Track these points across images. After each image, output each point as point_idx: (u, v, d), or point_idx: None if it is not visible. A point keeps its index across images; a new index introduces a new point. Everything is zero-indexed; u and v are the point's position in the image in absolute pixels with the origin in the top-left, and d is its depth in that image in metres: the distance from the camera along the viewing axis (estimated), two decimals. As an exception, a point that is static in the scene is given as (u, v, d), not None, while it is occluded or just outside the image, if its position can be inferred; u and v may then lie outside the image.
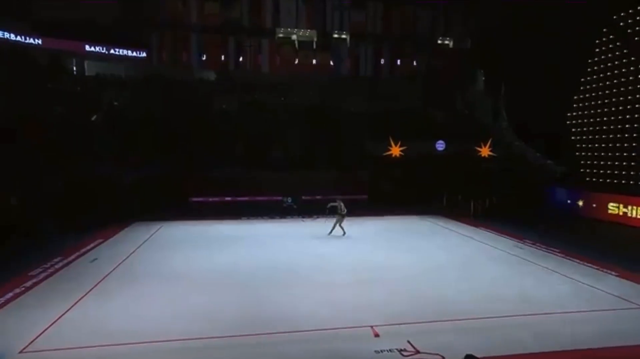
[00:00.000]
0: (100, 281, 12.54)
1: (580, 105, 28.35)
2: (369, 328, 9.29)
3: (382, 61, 37.94)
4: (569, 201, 25.12)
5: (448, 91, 37.68)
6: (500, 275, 13.11)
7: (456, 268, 13.85)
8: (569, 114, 29.10)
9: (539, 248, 16.57)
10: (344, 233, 18.02)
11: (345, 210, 17.96)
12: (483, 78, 39.58)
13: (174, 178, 25.23)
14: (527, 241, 17.57)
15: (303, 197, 26.20)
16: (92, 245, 16.64)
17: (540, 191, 27.16)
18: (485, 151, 32.10)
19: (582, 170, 27.22)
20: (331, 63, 37.47)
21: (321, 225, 20.33)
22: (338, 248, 16.20)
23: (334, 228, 18.12)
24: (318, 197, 26.22)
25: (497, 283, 12.30)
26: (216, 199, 26.86)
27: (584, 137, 27.88)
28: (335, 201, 18.15)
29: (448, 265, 13.99)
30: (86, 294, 11.56)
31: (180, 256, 15.16)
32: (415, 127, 32.28)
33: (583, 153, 27.46)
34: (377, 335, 9.19)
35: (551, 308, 10.53)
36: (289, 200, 25.76)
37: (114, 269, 13.66)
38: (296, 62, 36.82)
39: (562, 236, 18.66)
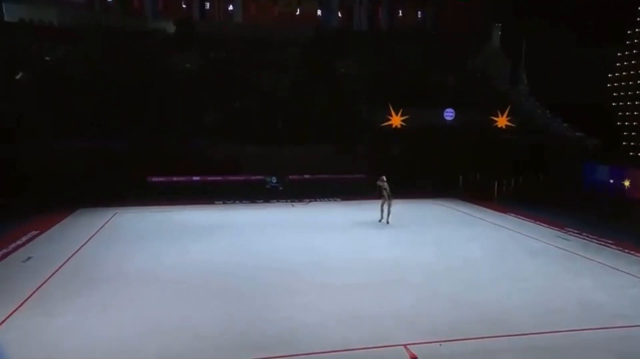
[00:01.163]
0: (38, 289, 11.31)
1: (625, 64, 27.68)
2: (401, 347, 8.57)
3: (380, 12, 36.60)
4: (611, 181, 25.05)
5: (458, 50, 37.00)
6: (549, 274, 12.64)
7: (492, 265, 13.41)
8: (609, 75, 28.54)
9: (587, 238, 16.34)
10: (382, 218, 18.12)
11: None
12: (499, 33, 39.08)
13: (128, 153, 24.27)
14: (570, 230, 17.46)
15: (290, 176, 25.76)
16: (24, 239, 15.50)
17: (574, 169, 27.01)
18: (502, 121, 31.73)
19: (624, 143, 26.87)
20: (319, 14, 36.28)
21: (315, 211, 19.99)
22: (343, 241, 15.70)
23: (388, 214, 18.08)
24: (307, 176, 26.43)
25: (548, 284, 11.87)
26: (182, 179, 25.80)
27: (628, 104, 27.42)
28: (381, 180, 18.12)
29: (482, 261, 13.69)
30: (20, 306, 10.28)
31: (144, 253, 14.14)
32: (420, 92, 31.87)
33: (627, 123, 27.11)
34: (414, 358, 8.31)
35: (628, 319, 9.90)
36: (273, 180, 25.28)
37: (56, 271, 12.55)
38: (276, 12, 35.85)
39: (611, 223, 18.47)
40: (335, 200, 23.55)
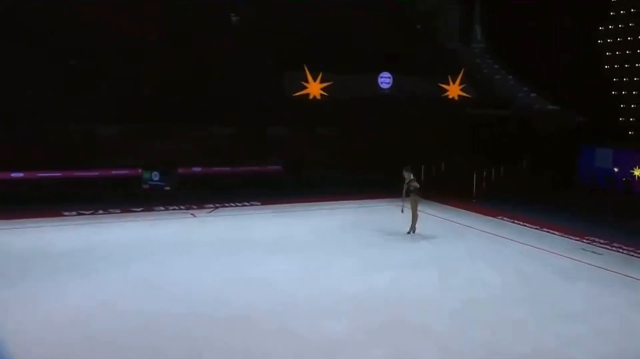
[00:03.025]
0: None
1: (622, 12, 28.92)
2: None
3: None
4: (615, 169, 25.95)
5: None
6: (606, 307, 12.70)
7: (523, 294, 13.43)
8: (600, 28, 29.56)
9: (622, 250, 16.91)
10: (411, 230, 18.75)
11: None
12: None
13: None
14: (593, 239, 18.15)
15: (180, 170, 24.61)
16: None
17: (564, 155, 27.74)
18: (454, 90, 32.22)
19: (621, 119, 28.09)
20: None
21: (233, 222, 19.93)
22: (296, 267, 15.30)
23: (414, 220, 18.67)
24: (197, 169, 26.31)
25: (613, 324, 11.87)
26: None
27: (627, 66, 28.58)
28: (408, 171, 18.70)
29: (507, 290, 13.73)
30: None
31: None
32: (344, 51, 31.09)
33: (625, 92, 28.20)
34: None
35: None
36: (155, 176, 23.80)
37: None
38: None
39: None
40: (254, 205, 23.16)
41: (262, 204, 23.15)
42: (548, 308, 12.46)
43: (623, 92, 28.49)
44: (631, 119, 27.89)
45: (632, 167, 25.30)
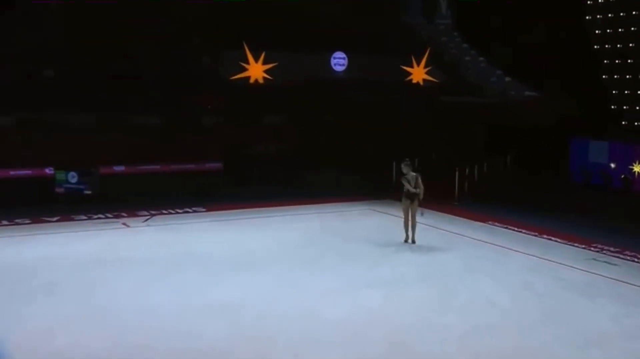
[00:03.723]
0: None
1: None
2: None
3: None
4: (612, 165, 25.74)
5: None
6: (634, 329, 12.35)
7: (535, 317, 12.92)
8: (588, 2, 29.22)
9: (633, 259, 16.98)
10: (408, 238, 18.41)
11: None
12: None
13: None
14: (602, 247, 18.08)
15: (102, 170, 24.60)
16: None
17: (551, 149, 27.55)
18: (419, 73, 32.20)
19: (614, 107, 27.92)
20: None
21: (177, 233, 19.46)
22: (264, 286, 14.84)
23: (413, 227, 18.27)
24: (120, 169, 25.91)
25: None
26: None
27: (619, 46, 28.28)
28: (407, 166, 18.10)
29: (514, 310, 13.34)
30: None
31: None
32: (291, 26, 31.15)
33: (617, 75, 27.91)
34: None
35: None
36: (72, 177, 23.47)
37: None
38: None
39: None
40: (197, 211, 22.82)
41: (208, 210, 22.83)
42: (572, 332, 12.08)
43: (615, 76, 28.27)
44: (624, 107, 27.68)
45: (631, 162, 25.13)
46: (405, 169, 18.09)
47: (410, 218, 18.17)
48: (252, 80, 29.35)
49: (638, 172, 25.20)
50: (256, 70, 29.53)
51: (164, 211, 22.21)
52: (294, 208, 23.44)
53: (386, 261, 17.02)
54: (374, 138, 28.02)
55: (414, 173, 18.08)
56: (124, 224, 20.62)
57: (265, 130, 29.14)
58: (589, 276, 15.53)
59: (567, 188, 25.98)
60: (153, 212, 21.83)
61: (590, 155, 26.88)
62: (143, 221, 20.97)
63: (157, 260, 16.73)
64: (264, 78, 29.48)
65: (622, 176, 25.50)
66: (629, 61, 27.83)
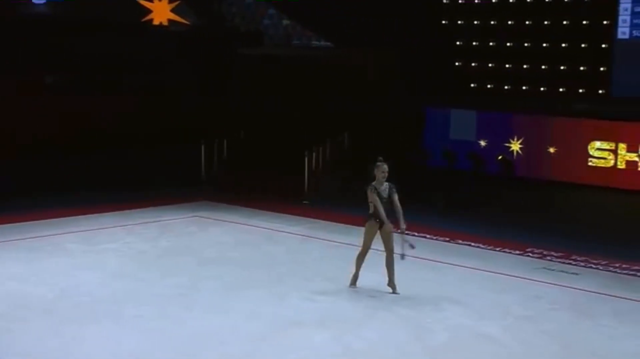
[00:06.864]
0: None
1: None
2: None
3: None
4: (482, 144, 22.47)
5: None
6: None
7: (542, 348, 11.53)
8: None
9: (599, 268, 15.77)
10: (356, 279, 13.77)
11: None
12: None
13: None
14: (540, 251, 16.81)
15: None
16: None
17: (400, 121, 23.33)
18: (162, 10, 27.09)
19: (458, 63, 24.63)
20: None
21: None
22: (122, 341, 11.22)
23: (389, 267, 13.48)
24: None
25: None
26: None
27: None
28: (382, 171, 13.18)
29: (513, 341, 11.78)
30: None
31: None
32: None
33: (460, 22, 24.30)
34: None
35: None
36: None
37: None
38: None
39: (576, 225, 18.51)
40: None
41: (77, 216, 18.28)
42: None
43: (459, 22, 25.12)
44: (472, 64, 24.65)
45: (507, 139, 22.14)
46: (377, 173, 13.22)
47: (387, 254, 13.39)
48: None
49: (516, 151, 22.28)
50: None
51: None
52: (89, 217, 18.54)
53: (294, 291, 13.48)
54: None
55: (387, 183, 13.28)
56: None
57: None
58: (563, 290, 14.16)
59: (427, 174, 21.91)
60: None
61: (452, 130, 23.56)
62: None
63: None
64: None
65: (499, 157, 22.51)
66: (476, 0, 24.54)
